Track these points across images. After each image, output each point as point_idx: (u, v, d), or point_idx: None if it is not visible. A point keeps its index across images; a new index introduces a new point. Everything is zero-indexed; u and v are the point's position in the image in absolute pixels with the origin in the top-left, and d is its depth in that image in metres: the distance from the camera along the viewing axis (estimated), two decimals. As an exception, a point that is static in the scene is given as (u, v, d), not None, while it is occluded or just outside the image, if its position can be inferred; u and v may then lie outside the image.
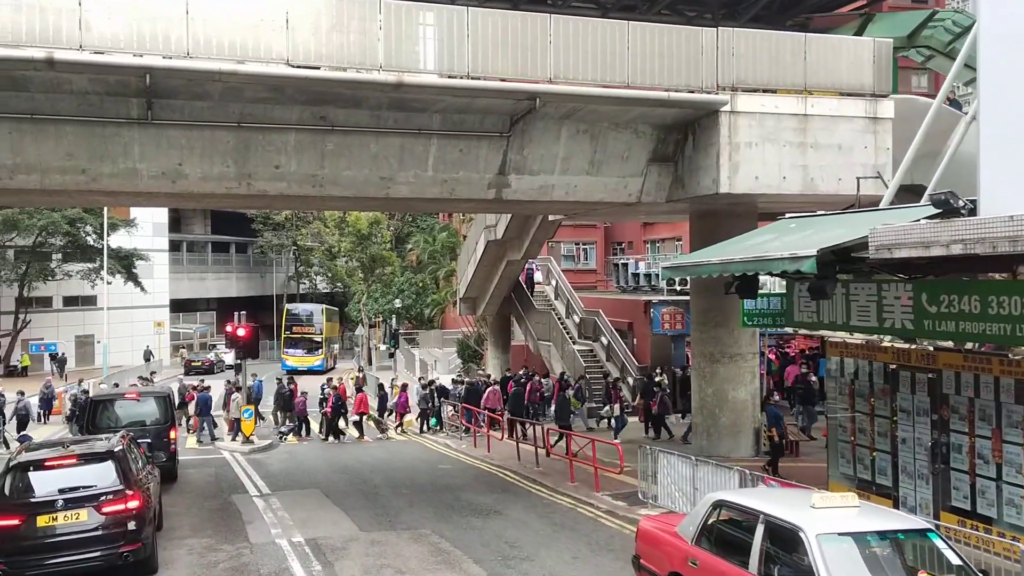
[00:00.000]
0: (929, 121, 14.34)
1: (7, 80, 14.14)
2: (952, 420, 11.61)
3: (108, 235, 47.96)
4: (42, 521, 10.90)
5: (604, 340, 31.18)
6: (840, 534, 7.64)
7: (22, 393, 27.37)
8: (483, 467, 21.04)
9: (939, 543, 7.87)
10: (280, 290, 77.69)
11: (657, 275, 35.04)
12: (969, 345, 11.30)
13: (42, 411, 29.45)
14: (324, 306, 59.09)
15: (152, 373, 34.57)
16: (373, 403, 29.58)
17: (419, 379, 31.68)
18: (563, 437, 20.60)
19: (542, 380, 27.48)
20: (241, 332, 25.82)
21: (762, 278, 14.88)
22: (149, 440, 17.88)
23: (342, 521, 15.18)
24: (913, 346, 12.50)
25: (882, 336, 12.75)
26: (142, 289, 52.75)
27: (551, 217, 27.33)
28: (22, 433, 24.88)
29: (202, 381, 29.52)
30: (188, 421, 27.64)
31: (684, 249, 38.71)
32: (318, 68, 14.85)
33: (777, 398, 21.76)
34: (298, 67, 14.68)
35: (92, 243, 49.63)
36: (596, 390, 27.98)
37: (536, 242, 29.83)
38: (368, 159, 16.61)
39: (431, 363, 45.28)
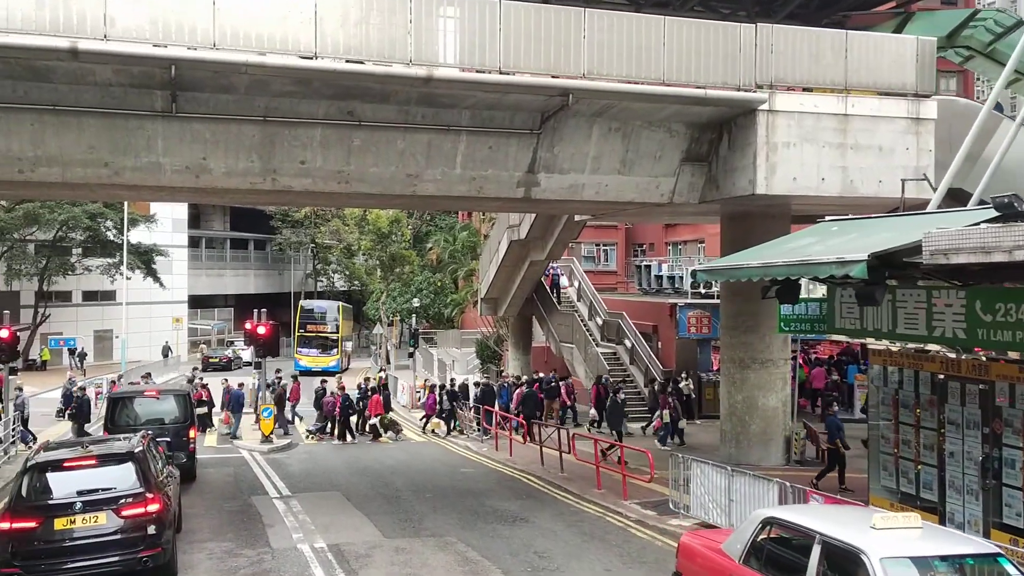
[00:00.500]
0: (980, 123, 13.83)
1: (30, 70, 13.85)
2: (1005, 434, 11.11)
3: (128, 230, 47.96)
4: (60, 524, 10.55)
5: (628, 343, 30.66)
6: (905, 558, 7.16)
7: (20, 389, 27.09)
8: (506, 471, 20.61)
9: (1010, 568, 7.38)
10: (298, 288, 77.63)
11: (681, 277, 34.46)
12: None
13: (63, 407, 29.17)
14: (340, 303, 57.78)
15: (148, 374, 33.77)
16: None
17: (449, 380, 31.16)
18: (613, 445, 19.80)
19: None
20: (261, 330, 25.46)
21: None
22: (168, 439, 17.58)
23: (364, 526, 14.79)
24: (964, 355, 12.00)
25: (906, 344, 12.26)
26: (161, 285, 52.74)
27: (576, 217, 26.88)
28: (22, 431, 24.37)
29: (225, 380, 29.24)
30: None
31: (707, 252, 38.18)
32: (346, 61, 14.48)
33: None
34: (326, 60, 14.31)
35: (112, 238, 49.69)
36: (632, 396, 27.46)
37: (560, 243, 29.36)
38: (395, 156, 16.23)
39: (449, 363, 44.90)
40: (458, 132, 16.25)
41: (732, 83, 16.22)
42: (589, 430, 24.60)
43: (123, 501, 10.84)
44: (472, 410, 27.46)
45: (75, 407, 25.17)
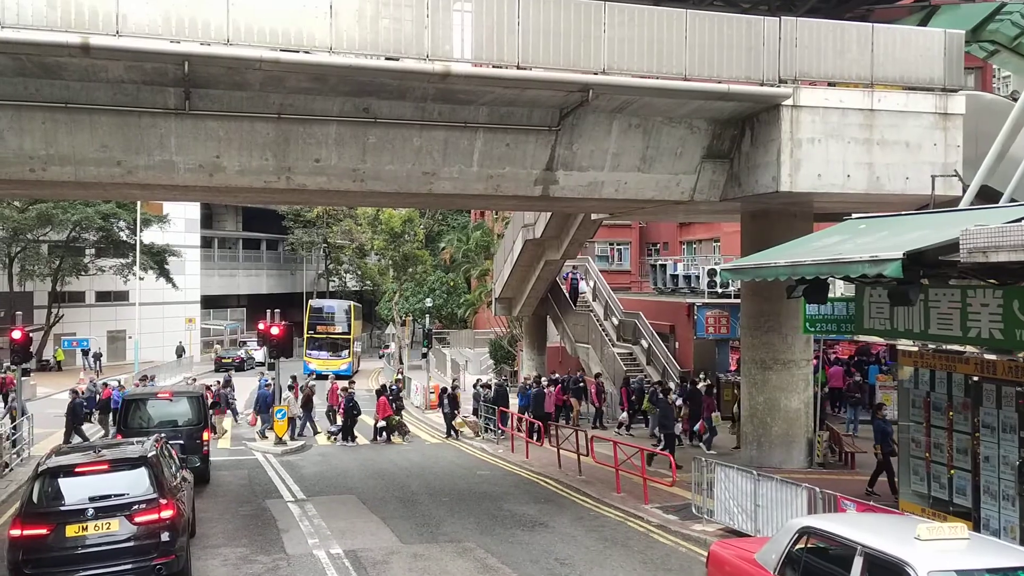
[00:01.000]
0: (1014, 119, 13.40)
1: (41, 67, 13.61)
2: (1044, 438, 10.74)
3: (141, 231, 47.90)
4: (71, 531, 10.30)
5: (644, 343, 30.33)
6: (953, 571, 6.81)
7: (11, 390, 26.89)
8: (523, 474, 20.30)
9: (1063, 582, 7.01)
10: (310, 288, 77.55)
11: (696, 277, 34.06)
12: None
13: (89, 410, 28.88)
14: (351, 302, 56.06)
15: (147, 376, 33.44)
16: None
17: (477, 380, 30.77)
18: (668, 447, 19.36)
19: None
20: (275, 330, 25.23)
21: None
22: (182, 442, 17.35)
23: (381, 531, 14.51)
24: (1000, 357, 11.60)
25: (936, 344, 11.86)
26: (174, 285, 52.69)
27: (593, 216, 26.55)
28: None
29: (263, 376, 29.15)
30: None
31: (723, 251, 37.79)
32: (363, 57, 14.19)
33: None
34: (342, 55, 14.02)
35: (125, 238, 49.67)
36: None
37: (576, 242, 29.06)
38: (411, 153, 15.94)
39: (462, 363, 44.68)
40: (475, 129, 15.94)
41: (755, 78, 15.84)
42: (618, 433, 24.26)
43: (136, 507, 10.58)
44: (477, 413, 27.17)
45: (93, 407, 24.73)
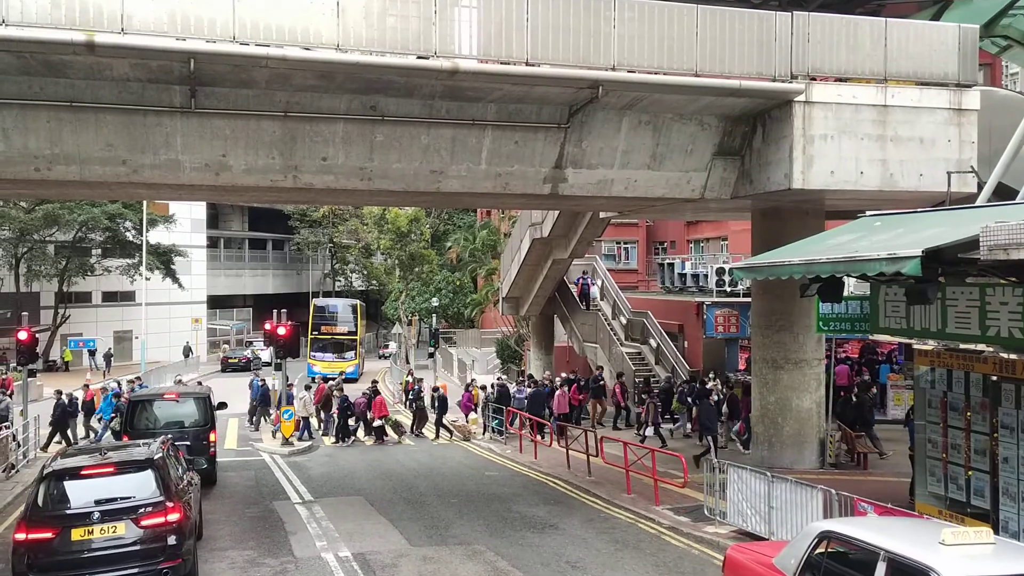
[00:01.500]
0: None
1: (45, 65, 13.48)
2: (1065, 439, 10.55)
3: (147, 231, 47.84)
4: (77, 534, 10.18)
5: (653, 342, 30.11)
6: (981, 578, 6.63)
7: (4, 390, 26.76)
8: (531, 475, 20.13)
9: (1093, 589, 6.82)
10: (316, 287, 77.51)
11: (705, 275, 33.80)
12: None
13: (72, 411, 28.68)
14: (357, 302, 54.27)
15: (137, 378, 32.68)
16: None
17: (496, 379, 30.58)
18: (709, 450, 19.05)
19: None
20: (281, 331, 25.06)
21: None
22: (188, 443, 17.21)
23: (390, 533, 14.35)
24: (1020, 357, 11.40)
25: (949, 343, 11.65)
26: (180, 285, 52.64)
27: (601, 215, 26.34)
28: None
29: (255, 376, 29.06)
30: None
31: (731, 249, 37.52)
32: (369, 54, 14.02)
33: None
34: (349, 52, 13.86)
35: (131, 239, 49.63)
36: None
37: (584, 241, 28.86)
38: (419, 151, 15.77)
39: (469, 363, 44.51)
40: (483, 127, 15.77)
41: (767, 73, 15.64)
42: (638, 432, 24.04)
43: (142, 510, 10.46)
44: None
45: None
